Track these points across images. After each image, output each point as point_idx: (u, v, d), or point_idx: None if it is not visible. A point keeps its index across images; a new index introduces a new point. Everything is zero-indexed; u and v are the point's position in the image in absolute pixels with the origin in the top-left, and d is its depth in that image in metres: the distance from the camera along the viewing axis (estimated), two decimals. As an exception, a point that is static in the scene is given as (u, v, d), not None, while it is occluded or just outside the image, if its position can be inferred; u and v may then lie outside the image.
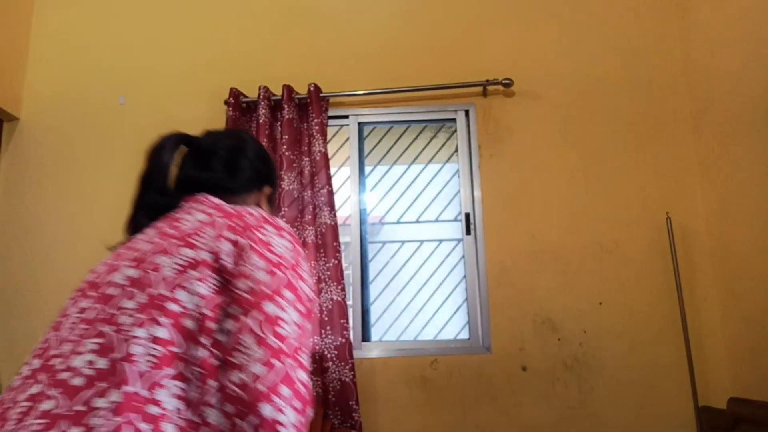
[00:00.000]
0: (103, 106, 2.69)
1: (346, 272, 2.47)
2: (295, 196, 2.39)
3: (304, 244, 2.33)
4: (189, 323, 0.70)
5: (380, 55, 2.67)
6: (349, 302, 2.43)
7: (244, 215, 0.82)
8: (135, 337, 0.67)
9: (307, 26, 2.73)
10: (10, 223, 2.56)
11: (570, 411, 2.25)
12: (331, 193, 2.37)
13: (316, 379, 2.20)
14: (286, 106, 2.47)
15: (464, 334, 2.46)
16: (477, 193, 2.50)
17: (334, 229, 2.34)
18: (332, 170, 2.49)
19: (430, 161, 2.67)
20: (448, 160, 2.66)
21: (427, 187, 2.65)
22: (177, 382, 0.67)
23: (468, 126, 2.60)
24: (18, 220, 2.56)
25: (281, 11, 2.77)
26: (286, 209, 2.34)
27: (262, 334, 0.69)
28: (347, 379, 2.17)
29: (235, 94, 2.50)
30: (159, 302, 0.70)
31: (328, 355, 2.20)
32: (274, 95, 2.53)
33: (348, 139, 2.64)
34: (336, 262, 2.30)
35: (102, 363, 0.66)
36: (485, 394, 2.28)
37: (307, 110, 2.50)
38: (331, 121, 2.61)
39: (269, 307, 0.71)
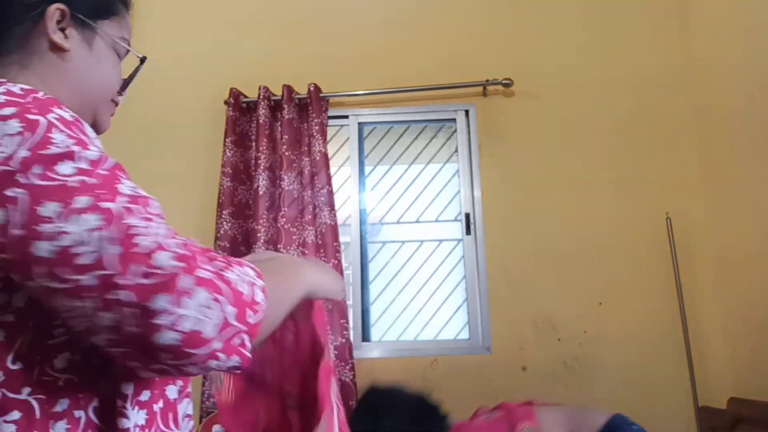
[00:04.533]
0: (103, 106, 2.68)
1: (346, 272, 2.47)
2: (295, 196, 2.39)
3: (304, 244, 2.33)
4: None
5: (380, 55, 2.66)
6: (349, 302, 2.43)
7: None
8: None
9: (307, 26, 2.73)
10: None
11: (570, 411, 2.25)
12: (331, 194, 2.37)
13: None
14: (286, 106, 2.47)
15: (464, 334, 2.46)
16: (477, 193, 2.49)
17: (334, 229, 2.34)
18: (332, 170, 2.48)
19: (430, 161, 2.67)
20: (448, 160, 2.66)
21: (427, 187, 2.65)
22: None
23: (468, 126, 2.60)
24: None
25: (281, 11, 2.76)
26: (286, 209, 2.34)
27: None
28: (347, 380, 2.18)
29: (235, 94, 2.50)
30: None
31: (328, 355, 2.20)
32: (274, 95, 2.52)
33: (348, 139, 2.64)
34: (336, 262, 2.30)
35: None
36: (485, 394, 2.28)
37: (307, 110, 2.50)
38: (331, 121, 2.60)
39: None
